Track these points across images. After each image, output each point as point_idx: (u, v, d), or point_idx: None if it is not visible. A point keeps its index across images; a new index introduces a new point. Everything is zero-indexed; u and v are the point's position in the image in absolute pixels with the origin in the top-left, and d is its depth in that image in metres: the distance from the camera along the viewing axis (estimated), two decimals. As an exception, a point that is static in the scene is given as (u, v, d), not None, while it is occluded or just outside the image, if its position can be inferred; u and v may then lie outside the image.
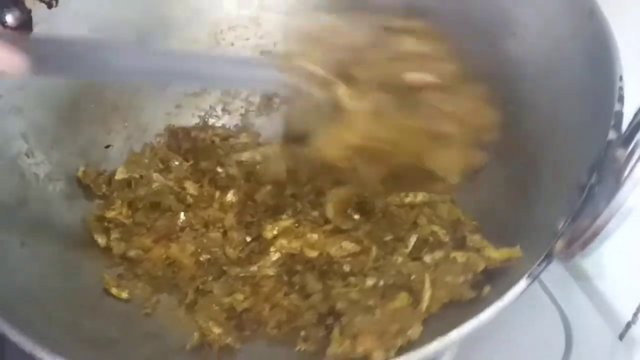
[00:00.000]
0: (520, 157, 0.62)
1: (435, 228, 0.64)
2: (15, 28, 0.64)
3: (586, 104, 0.55)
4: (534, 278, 0.46)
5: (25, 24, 0.65)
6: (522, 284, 0.47)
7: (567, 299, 0.73)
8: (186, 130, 0.74)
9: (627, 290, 0.75)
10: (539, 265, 0.46)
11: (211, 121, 0.80)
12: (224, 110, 0.81)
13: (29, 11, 0.66)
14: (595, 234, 0.42)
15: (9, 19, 0.64)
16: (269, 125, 0.79)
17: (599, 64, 0.55)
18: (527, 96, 0.63)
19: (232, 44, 0.80)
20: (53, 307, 0.58)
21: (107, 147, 0.75)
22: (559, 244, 0.43)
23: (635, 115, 0.48)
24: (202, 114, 0.80)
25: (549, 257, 0.43)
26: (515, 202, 0.60)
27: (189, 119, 0.79)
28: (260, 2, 0.80)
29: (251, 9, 0.80)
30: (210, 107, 0.81)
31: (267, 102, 0.80)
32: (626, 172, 0.44)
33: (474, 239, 0.60)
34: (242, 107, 0.81)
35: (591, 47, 0.56)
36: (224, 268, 0.67)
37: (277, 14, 0.80)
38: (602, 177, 0.46)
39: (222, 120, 0.80)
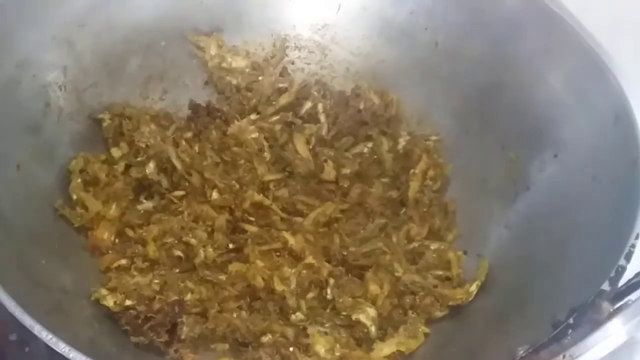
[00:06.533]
0: (515, 276, 0.61)
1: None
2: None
3: (595, 247, 0.54)
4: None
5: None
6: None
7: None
8: (208, 109, 0.75)
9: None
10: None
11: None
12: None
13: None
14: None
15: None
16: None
17: (623, 215, 0.54)
18: (542, 218, 0.62)
19: (293, 63, 0.81)
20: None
21: (138, 110, 0.75)
22: (510, 368, 0.42)
23: (635, 276, 0.47)
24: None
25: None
26: (492, 320, 0.59)
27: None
28: (334, 36, 0.80)
29: (323, 37, 0.80)
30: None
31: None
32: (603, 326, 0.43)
33: None
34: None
35: (620, 196, 0.56)
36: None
37: (345, 51, 0.80)
38: (580, 322, 0.45)
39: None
